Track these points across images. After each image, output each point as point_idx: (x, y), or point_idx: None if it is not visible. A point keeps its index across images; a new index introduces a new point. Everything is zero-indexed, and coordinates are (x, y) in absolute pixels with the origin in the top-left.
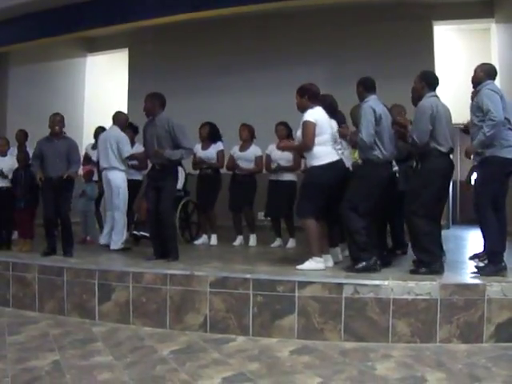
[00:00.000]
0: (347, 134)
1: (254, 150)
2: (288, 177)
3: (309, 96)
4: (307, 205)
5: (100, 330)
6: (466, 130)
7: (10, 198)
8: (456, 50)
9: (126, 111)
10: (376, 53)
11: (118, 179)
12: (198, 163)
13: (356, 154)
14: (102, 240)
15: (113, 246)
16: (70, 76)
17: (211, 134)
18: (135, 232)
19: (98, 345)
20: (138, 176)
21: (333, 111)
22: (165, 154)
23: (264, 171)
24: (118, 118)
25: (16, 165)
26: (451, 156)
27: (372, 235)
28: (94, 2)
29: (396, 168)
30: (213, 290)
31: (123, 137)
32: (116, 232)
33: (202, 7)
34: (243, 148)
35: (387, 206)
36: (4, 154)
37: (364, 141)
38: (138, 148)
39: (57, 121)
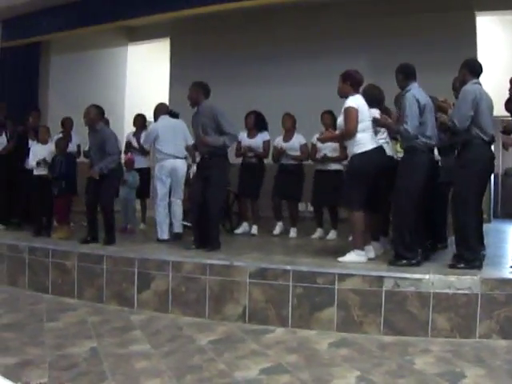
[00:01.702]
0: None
1: (297, 139)
2: (334, 166)
3: (351, 82)
4: (353, 195)
5: (138, 319)
6: (505, 131)
7: (50, 185)
8: (499, 41)
9: (167, 100)
10: (418, 44)
11: (184, 169)
12: (243, 151)
13: (398, 147)
14: (165, 235)
15: (177, 229)
16: (111, 65)
17: (257, 123)
18: None
19: (136, 333)
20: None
21: (379, 103)
22: (207, 141)
23: (310, 161)
24: (163, 108)
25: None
26: (492, 146)
27: (417, 231)
28: None
29: (439, 158)
30: (252, 281)
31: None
32: (179, 217)
33: None
34: (287, 137)
35: (429, 197)
36: (45, 142)
37: (409, 132)
38: None
39: (86, 113)
